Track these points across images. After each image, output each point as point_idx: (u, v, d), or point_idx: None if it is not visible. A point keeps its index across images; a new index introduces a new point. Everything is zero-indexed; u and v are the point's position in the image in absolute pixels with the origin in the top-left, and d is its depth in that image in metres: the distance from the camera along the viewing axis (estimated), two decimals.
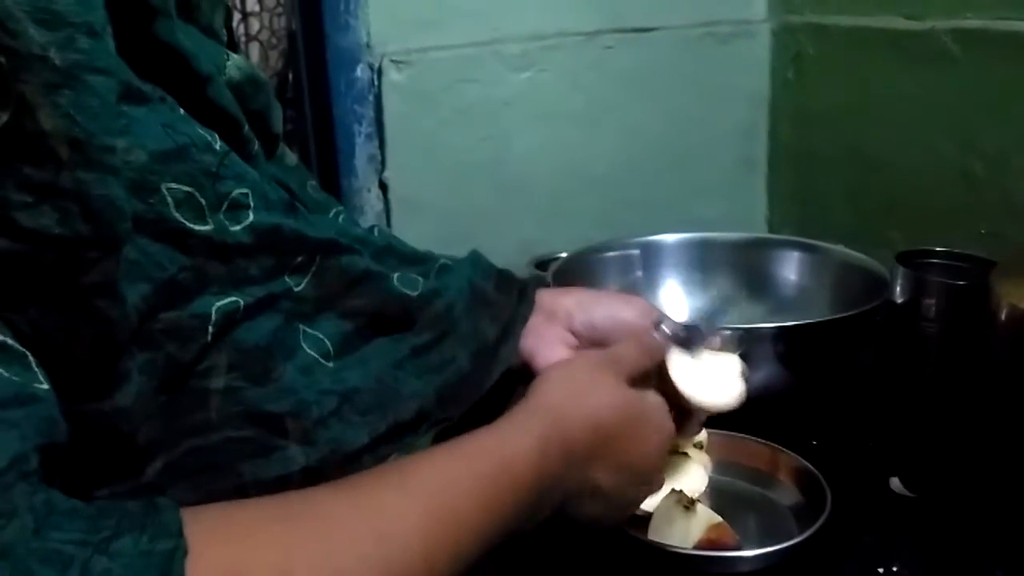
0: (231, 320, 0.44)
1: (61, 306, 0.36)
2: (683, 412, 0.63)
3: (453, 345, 0.58)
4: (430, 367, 0.56)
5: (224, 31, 0.55)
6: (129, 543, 0.33)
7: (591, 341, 0.66)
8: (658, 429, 0.59)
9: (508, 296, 0.66)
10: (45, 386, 0.35)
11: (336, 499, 0.43)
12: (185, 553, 0.34)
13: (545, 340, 0.65)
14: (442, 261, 0.65)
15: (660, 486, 0.63)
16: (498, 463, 0.49)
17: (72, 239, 0.36)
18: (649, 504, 0.66)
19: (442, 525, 0.44)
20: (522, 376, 0.62)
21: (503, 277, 0.68)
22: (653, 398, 0.60)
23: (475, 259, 0.68)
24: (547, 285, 0.72)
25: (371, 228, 0.67)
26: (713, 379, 0.64)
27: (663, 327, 0.64)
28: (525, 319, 0.65)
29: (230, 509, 0.40)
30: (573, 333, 0.67)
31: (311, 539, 0.39)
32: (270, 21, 1.45)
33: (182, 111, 0.44)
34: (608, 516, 0.58)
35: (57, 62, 0.35)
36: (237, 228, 0.45)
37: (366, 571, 0.40)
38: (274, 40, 1.44)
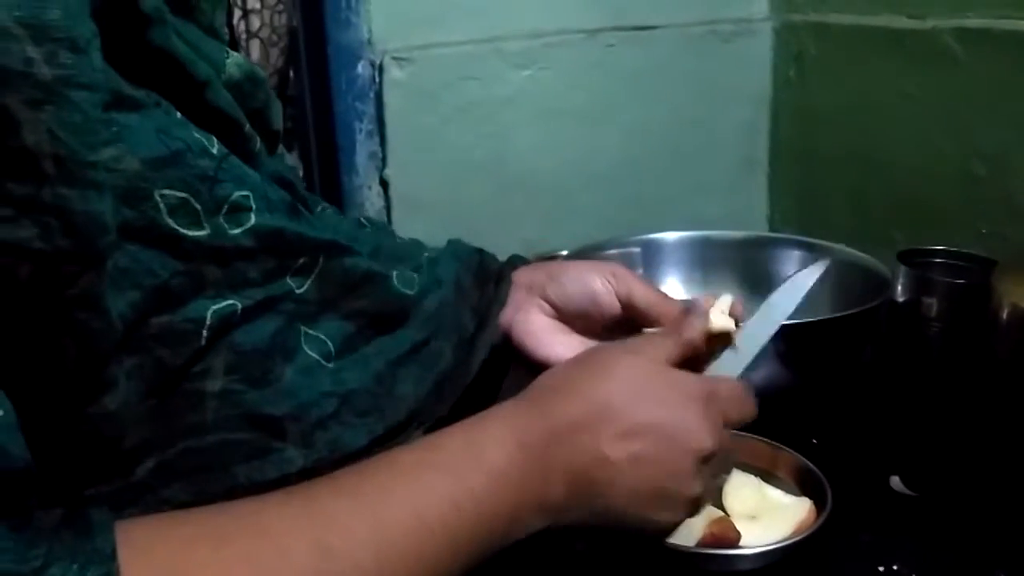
0: (227, 323, 0.44)
1: (43, 318, 0.36)
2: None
3: (441, 342, 0.59)
4: (424, 364, 0.56)
5: (225, 29, 0.55)
6: (58, 574, 0.33)
7: (566, 309, 0.67)
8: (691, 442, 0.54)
9: (486, 283, 0.67)
10: (0, 412, 0.35)
11: (281, 511, 0.41)
12: None
13: (522, 311, 0.67)
14: (427, 254, 0.66)
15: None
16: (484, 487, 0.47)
17: (52, 253, 0.36)
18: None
19: (401, 539, 0.42)
20: (504, 349, 0.65)
21: (483, 264, 0.69)
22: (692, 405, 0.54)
23: (456, 248, 0.69)
24: (527, 262, 0.73)
25: (357, 220, 0.68)
26: None
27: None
28: (502, 304, 0.66)
29: (165, 526, 0.39)
30: (548, 303, 0.68)
31: (245, 559, 0.38)
32: (271, 18, 1.45)
33: (179, 115, 0.44)
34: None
35: (39, 77, 0.35)
36: (237, 231, 0.44)
37: None
38: (275, 37, 1.44)
